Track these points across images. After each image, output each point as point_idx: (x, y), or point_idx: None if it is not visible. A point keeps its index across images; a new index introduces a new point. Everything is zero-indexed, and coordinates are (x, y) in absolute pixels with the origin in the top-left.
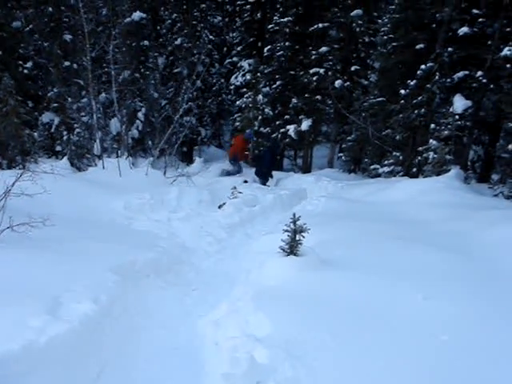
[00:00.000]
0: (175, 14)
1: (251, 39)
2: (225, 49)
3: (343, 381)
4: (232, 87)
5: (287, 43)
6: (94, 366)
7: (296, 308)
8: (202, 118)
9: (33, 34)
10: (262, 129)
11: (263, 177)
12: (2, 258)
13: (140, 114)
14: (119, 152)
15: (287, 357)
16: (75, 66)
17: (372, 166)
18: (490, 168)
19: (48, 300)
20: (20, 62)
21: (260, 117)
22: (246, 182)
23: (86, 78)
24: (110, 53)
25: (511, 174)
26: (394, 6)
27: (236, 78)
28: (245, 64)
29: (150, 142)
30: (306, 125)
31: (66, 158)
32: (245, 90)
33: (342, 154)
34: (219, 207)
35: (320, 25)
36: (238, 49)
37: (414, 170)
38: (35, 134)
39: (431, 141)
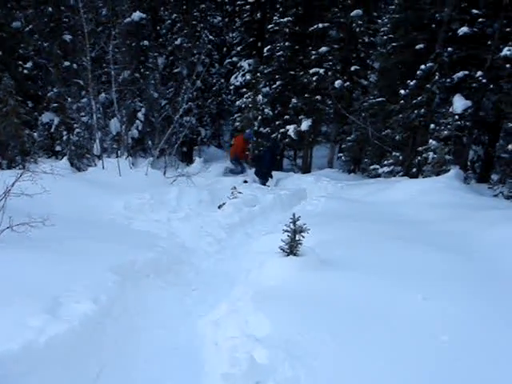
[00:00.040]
0: (175, 14)
1: (251, 39)
2: (225, 49)
3: (343, 381)
4: (232, 87)
5: (287, 43)
6: (94, 365)
7: (296, 308)
8: (202, 118)
9: (33, 34)
10: (261, 129)
11: (263, 177)
12: (1, 257)
13: (140, 114)
14: (119, 152)
15: (287, 357)
16: (75, 66)
17: (372, 166)
18: (490, 168)
19: (48, 300)
20: (20, 62)
21: (260, 117)
22: (245, 182)
23: (85, 78)
24: (109, 53)
25: (511, 174)
26: (393, 6)
27: (236, 78)
28: (245, 64)
29: (149, 142)
30: (305, 125)
31: (65, 158)
32: (245, 90)
33: (341, 154)
34: (219, 207)
35: (320, 25)
36: (238, 49)
37: (414, 170)
38: (35, 134)
39: (431, 141)
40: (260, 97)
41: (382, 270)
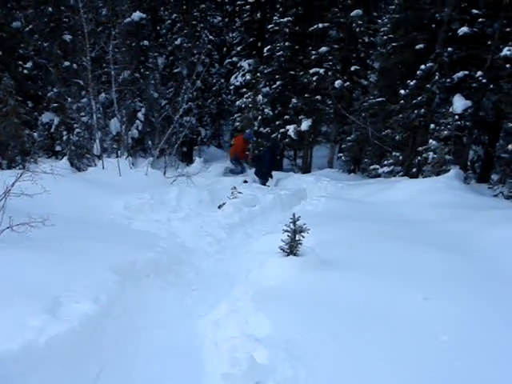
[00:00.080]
0: (175, 14)
1: (251, 39)
2: (224, 49)
3: (343, 381)
4: (232, 87)
5: (287, 43)
6: (94, 366)
7: (296, 308)
8: (202, 118)
9: (33, 34)
10: (261, 129)
11: (263, 177)
12: (1, 257)
13: (140, 114)
14: (119, 152)
15: (287, 357)
16: (75, 66)
17: (372, 166)
18: (490, 168)
19: (48, 300)
20: (20, 62)
21: (260, 117)
22: (245, 182)
23: (85, 78)
24: (109, 53)
25: (511, 174)
26: (393, 6)
27: (236, 78)
28: (245, 64)
29: (149, 142)
30: (305, 125)
31: (65, 158)
32: (245, 90)
33: (341, 154)
34: (219, 207)
35: (320, 25)
36: (238, 49)
37: (414, 170)
38: (35, 134)
39: (431, 141)
40: (260, 97)
41: (382, 270)
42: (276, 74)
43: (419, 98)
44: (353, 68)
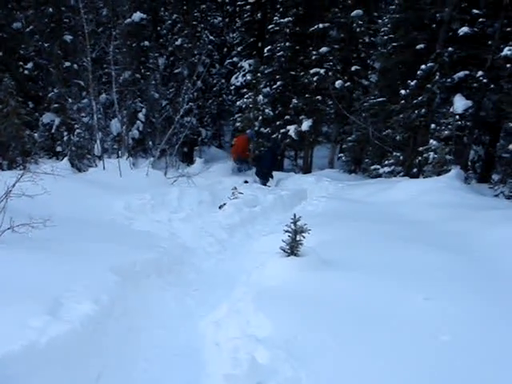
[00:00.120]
0: (175, 15)
1: (251, 39)
2: (225, 49)
3: (344, 381)
4: (232, 87)
5: (287, 43)
6: (95, 366)
7: (296, 308)
8: (203, 118)
9: (33, 35)
10: (262, 129)
11: (264, 177)
12: (2, 258)
13: (140, 115)
14: (120, 152)
15: (288, 357)
16: (76, 66)
17: (372, 167)
18: (491, 168)
19: (48, 300)
20: (20, 63)
21: (260, 117)
22: (246, 182)
23: (86, 79)
24: (110, 53)
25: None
26: (394, 6)
27: (236, 78)
28: (245, 64)
29: (150, 143)
30: (306, 125)
31: (66, 158)
32: (245, 90)
33: (342, 155)
34: (220, 208)
35: (320, 25)
36: (239, 49)
37: (415, 170)
38: (36, 134)
39: (431, 141)
40: (260, 97)
41: (382, 269)
42: (276, 75)
43: (420, 98)
44: (353, 68)
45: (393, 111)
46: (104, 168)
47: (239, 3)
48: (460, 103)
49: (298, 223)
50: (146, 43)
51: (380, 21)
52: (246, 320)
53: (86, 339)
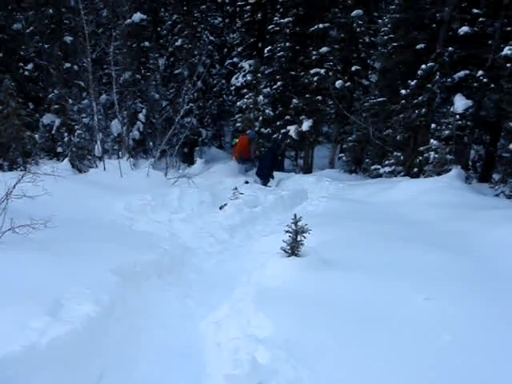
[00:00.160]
0: (175, 15)
1: (252, 40)
2: (225, 50)
3: (344, 381)
4: (233, 88)
5: (288, 44)
6: (96, 367)
7: (297, 308)
8: (203, 118)
9: (33, 36)
10: (262, 129)
11: (264, 177)
12: (3, 259)
13: (141, 115)
14: (120, 153)
15: (288, 358)
16: (76, 67)
17: (373, 167)
18: (491, 167)
19: (49, 301)
20: (21, 64)
21: (261, 117)
22: (247, 182)
23: (86, 80)
24: (110, 54)
25: None
26: (394, 6)
27: (237, 78)
28: (245, 65)
29: (150, 143)
30: (306, 125)
31: (66, 159)
32: (245, 90)
33: (342, 155)
34: (220, 208)
35: (320, 25)
36: (239, 49)
37: (415, 170)
38: (36, 135)
39: (432, 141)
40: (261, 97)
41: (382, 270)
42: (277, 75)
43: (420, 98)
44: (353, 68)
45: (393, 111)
46: (104, 169)
47: (239, 4)
48: (460, 103)
49: (299, 223)
50: (147, 44)
51: (380, 21)
52: (247, 320)
53: (86, 340)
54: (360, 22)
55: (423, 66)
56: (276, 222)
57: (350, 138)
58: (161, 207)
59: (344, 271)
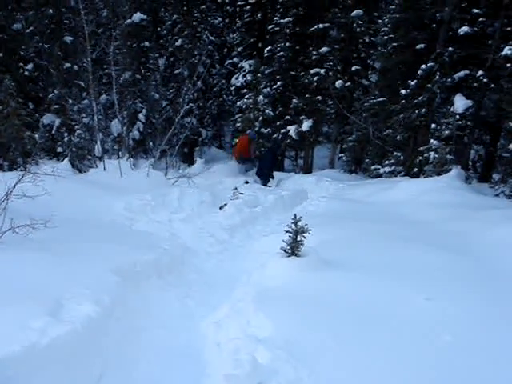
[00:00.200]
0: (175, 15)
1: (251, 40)
2: (225, 50)
3: (344, 381)
4: (233, 88)
5: (288, 44)
6: (96, 367)
7: (297, 308)
8: (203, 118)
9: (33, 36)
10: (262, 129)
11: (264, 177)
12: (3, 259)
13: (141, 115)
14: (120, 153)
15: (289, 358)
16: (76, 67)
17: (373, 167)
18: (491, 167)
19: (49, 301)
20: (21, 64)
21: (261, 117)
22: (247, 182)
23: (86, 80)
24: (110, 54)
25: None
26: (394, 6)
27: (237, 78)
28: (245, 65)
29: (150, 143)
30: (306, 125)
31: (66, 159)
32: (245, 90)
33: (342, 155)
34: (220, 208)
35: (320, 25)
36: (239, 49)
37: (415, 170)
38: (36, 135)
39: (432, 141)
40: (261, 97)
41: (382, 270)
42: (277, 75)
43: (420, 98)
44: (353, 68)
45: (393, 111)
46: (104, 169)
47: (239, 4)
48: (460, 103)
49: (299, 223)
50: (147, 44)
51: (380, 21)
52: (247, 320)
53: (86, 340)
54: (360, 22)
55: (423, 66)
56: (276, 222)
57: (350, 138)
58: (161, 207)
59: (344, 271)
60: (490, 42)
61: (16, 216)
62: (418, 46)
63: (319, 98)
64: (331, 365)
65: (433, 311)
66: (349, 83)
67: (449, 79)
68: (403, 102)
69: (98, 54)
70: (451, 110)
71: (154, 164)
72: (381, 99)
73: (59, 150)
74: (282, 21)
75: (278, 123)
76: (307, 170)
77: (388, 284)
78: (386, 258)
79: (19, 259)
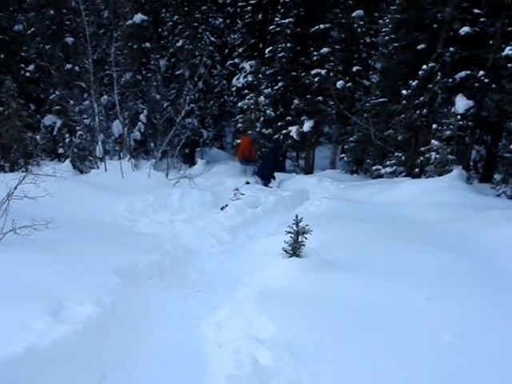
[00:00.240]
0: (176, 16)
1: (253, 40)
2: (226, 50)
3: (345, 381)
4: (234, 89)
5: (289, 44)
6: (98, 368)
7: (298, 309)
8: (204, 119)
9: (34, 37)
10: (263, 130)
11: (265, 178)
12: (4, 260)
13: (142, 116)
14: (121, 154)
15: (290, 359)
16: (77, 68)
17: (374, 167)
18: (493, 168)
19: (51, 302)
20: (22, 65)
21: (262, 118)
22: (248, 183)
23: (87, 81)
24: (111, 55)
25: None
26: (395, 7)
27: (238, 79)
28: (246, 65)
29: (152, 144)
30: (308, 126)
31: (68, 160)
32: (246, 91)
33: (344, 155)
34: (221, 209)
35: (321, 26)
36: (240, 50)
37: (417, 170)
38: (37, 136)
39: (433, 141)
40: (262, 98)
41: (383, 270)
42: (278, 75)
43: (421, 98)
44: (354, 69)
45: (394, 111)
46: (106, 170)
47: (240, 4)
48: (461, 103)
49: (300, 224)
50: (147, 45)
51: (381, 21)
52: (248, 321)
53: (88, 341)
54: (361, 23)
55: (424, 67)
56: (277, 223)
57: (351, 139)
58: (162, 208)
59: (345, 272)
60: (491, 42)
61: (17, 217)
62: (419, 47)
63: (320, 98)
64: (332, 365)
65: (433, 311)
66: (350, 84)
67: (450, 79)
68: (404, 102)
69: (99, 55)
70: (452, 110)
71: (155, 165)
72: (382, 99)
73: (60, 150)
74: (282, 21)
75: (279, 124)
76: (308, 170)
77: (388, 284)
78: (387, 259)
79: (20, 260)
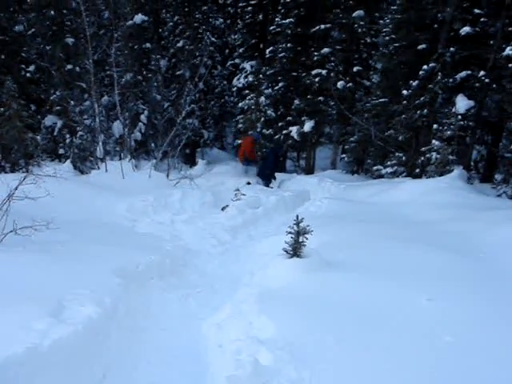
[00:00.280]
0: (177, 17)
1: (253, 41)
2: (227, 51)
3: (345, 381)
4: (234, 89)
5: (289, 45)
6: (98, 368)
7: (299, 309)
8: (205, 120)
9: (35, 38)
10: (264, 130)
11: (266, 178)
12: (5, 260)
13: (143, 117)
14: (122, 155)
15: (291, 359)
16: (77, 69)
17: (375, 167)
18: (493, 168)
19: (51, 303)
20: (22, 66)
21: (262, 118)
22: (249, 183)
23: (88, 81)
24: (112, 55)
25: None
26: (395, 7)
27: (238, 79)
28: (247, 66)
29: (152, 145)
30: (308, 126)
31: (68, 161)
32: (247, 91)
33: (344, 155)
34: (222, 209)
35: (322, 26)
36: (240, 50)
37: (417, 170)
38: (38, 137)
39: (434, 141)
40: (262, 98)
41: (384, 270)
42: (278, 76)
43: (422, 99)
44: (355, 69)
45: (395, 112)
46: (106, 170)
47: (241, 5)
48: (462, 103)
49: (301, 224)
50: (148, 45)
51: (382, 21)
52: (249, 321)
53: (88, 341)
54: (361, 23)
55: (425, 67)
56: (278, 223)
57: (351, 139)
58: (163, 208)
59: (345, 272)
60: (491, 42)
61: (18, 218)
62: (420, 47)
63: (321, 98)
64: (332, 365)
65: (433, 311)
66: (350, 84)
67: (450, 79)
68: (405, 102)
69: (99, 56)
70: (453, 110)
71: (155, 165)
72: (382, 100)
73: (61, 151)
74: (283, 22)
75: (280, 124)
76: (309, 170)
77: (389, 284)
78: (387, 259)
79: (21, 261)
